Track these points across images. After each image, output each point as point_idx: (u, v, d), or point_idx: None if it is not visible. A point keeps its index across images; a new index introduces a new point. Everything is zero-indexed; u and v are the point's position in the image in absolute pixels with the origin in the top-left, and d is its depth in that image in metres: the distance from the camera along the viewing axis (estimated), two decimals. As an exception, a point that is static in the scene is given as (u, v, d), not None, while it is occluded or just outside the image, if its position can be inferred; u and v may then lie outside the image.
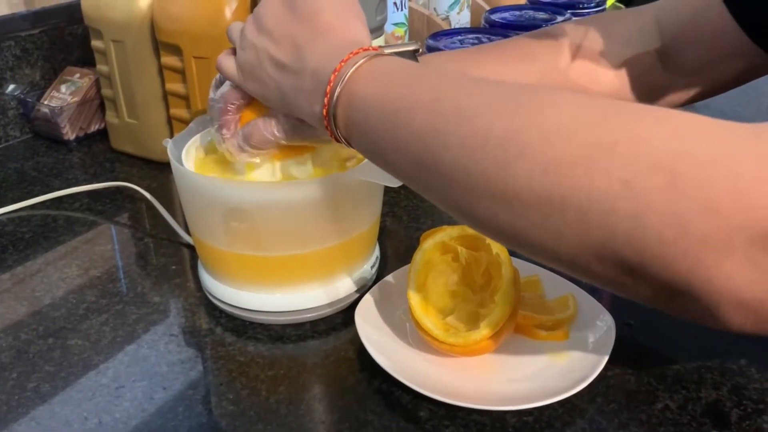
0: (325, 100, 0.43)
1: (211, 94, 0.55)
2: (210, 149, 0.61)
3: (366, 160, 0.56)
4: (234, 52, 0.52)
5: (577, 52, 0.60)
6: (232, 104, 0.53)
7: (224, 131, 0.53)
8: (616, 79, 0.60)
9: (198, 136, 0.61)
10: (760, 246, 0.29)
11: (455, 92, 0.38)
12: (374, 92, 0.42)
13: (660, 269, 0.31)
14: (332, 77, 0.43)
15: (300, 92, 0.46)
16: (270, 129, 0.51)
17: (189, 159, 0.59)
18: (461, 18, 1.10)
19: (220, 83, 0.55)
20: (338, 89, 0.43)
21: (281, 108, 0.50)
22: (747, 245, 0.29)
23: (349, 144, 0.45)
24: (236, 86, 0.52)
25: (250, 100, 0.53)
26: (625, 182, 0.30)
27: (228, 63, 0.52)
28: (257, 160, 0.54)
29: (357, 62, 0.43)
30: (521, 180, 0.34)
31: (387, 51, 0.46)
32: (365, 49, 0.44)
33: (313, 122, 0.47)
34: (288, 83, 0.47)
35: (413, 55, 0.49)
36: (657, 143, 0.31)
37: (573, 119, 0.33)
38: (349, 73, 0.42)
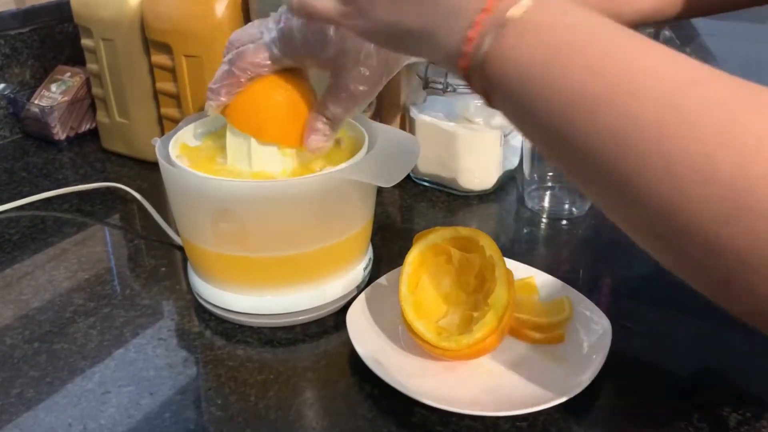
0: (472, 32, 0.36)
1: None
2: (208, 135, 0.60)
3: (356, 159, 0.55)
4: None
5: None
6: (252, 67, 0.51)
7: (212, 95, 0.52)
8: None
9: (184, 129, 0.60)
10: None
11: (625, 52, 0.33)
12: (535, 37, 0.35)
13: None
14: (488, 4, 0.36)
15: (435, 21, 0.38)
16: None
17: (176, 149, 0.57)
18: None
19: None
20: (490, 19, 0.35)
21: (393, 45, 0.43)
22: None
23: (485, 92, 0.38)
24: (268, 50, 0.51)
25: (271, 71, 0.52)
26: None
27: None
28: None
29: None
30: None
31: None
32: None
33: (442, 58, 0.39)
34: (415, 13, 0.39)
35: None
36: None
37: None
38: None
